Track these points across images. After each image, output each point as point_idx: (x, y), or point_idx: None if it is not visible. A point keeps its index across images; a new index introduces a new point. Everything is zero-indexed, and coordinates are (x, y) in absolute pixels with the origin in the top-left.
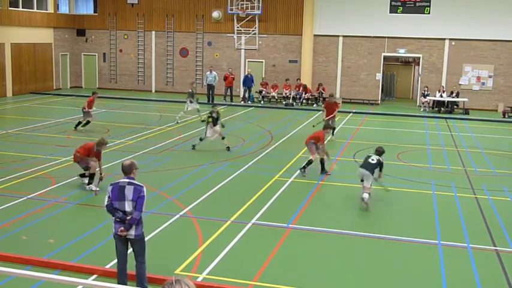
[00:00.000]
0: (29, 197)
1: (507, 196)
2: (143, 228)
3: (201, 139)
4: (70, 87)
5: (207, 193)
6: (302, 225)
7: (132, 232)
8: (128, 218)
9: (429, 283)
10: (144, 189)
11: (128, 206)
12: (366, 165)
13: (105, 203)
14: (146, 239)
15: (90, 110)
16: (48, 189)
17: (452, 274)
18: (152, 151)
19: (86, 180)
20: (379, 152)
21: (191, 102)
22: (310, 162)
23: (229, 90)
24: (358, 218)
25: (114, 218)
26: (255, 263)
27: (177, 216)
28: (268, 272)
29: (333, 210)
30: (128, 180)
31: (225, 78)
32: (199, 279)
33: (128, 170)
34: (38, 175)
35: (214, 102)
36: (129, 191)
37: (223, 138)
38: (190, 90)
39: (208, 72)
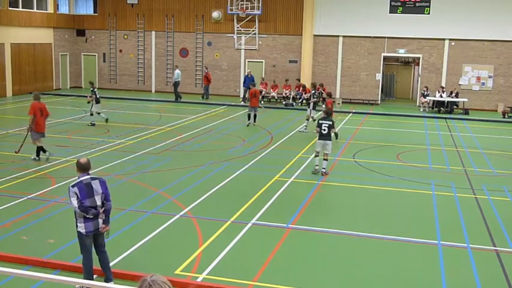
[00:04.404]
0: (29, 197)
1: (507, 196)
2: None
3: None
4: (70, 88)
5: (207, 193)
6: (302, 225)
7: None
8: (101, 211)
9: (429, 283)
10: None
11: (99, 200)
12: (324, 136)
13: (76, 205)
14: (146, 239)
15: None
16: (48, 189)
17: (452, 274)
18: (152, 151)
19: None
20: (328, 113)
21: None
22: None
23: (206, 88)
24: (357, 218)
25: (84, 216)
26: (254, 263)
27: (177, 216)
28: (268, 272)
29: (333, 210)
30: (89, 176)
31: (205, 77)
32: (199, 279)
33: (89, 167)
34: (38, 175)
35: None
36: (96, 186)
37: (98, 113)
38: None
39: (177, 71)
